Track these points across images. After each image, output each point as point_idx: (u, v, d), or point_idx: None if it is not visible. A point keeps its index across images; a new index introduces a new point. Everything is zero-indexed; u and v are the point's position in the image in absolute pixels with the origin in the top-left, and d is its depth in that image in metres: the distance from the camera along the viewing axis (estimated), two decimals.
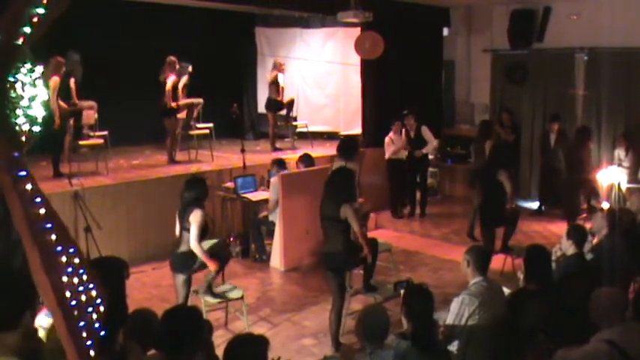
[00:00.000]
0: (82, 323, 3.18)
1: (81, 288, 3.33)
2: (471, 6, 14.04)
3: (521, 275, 5.85)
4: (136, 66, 11.32)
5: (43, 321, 4.44)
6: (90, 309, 3.33)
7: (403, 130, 12.11)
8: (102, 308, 3.42)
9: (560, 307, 4.88)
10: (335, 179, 6.81)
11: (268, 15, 14.41)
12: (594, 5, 11.98)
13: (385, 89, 12.73)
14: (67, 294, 3.18)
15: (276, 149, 12.58)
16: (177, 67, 11.08)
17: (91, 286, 3.41)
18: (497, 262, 8.18)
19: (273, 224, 9.51)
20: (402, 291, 5.72)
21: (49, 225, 3.28)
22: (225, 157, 11.53)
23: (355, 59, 12.82)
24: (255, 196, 9.94)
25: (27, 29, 3.58)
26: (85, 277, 3.41)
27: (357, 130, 13.62)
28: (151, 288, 8.58)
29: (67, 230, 3.71)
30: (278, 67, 12.54)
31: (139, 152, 12.21)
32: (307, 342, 7.06)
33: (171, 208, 9.82)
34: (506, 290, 5.84)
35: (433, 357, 4.40)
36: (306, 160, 10.09)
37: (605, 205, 9.56)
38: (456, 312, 5.17)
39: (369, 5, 11.21)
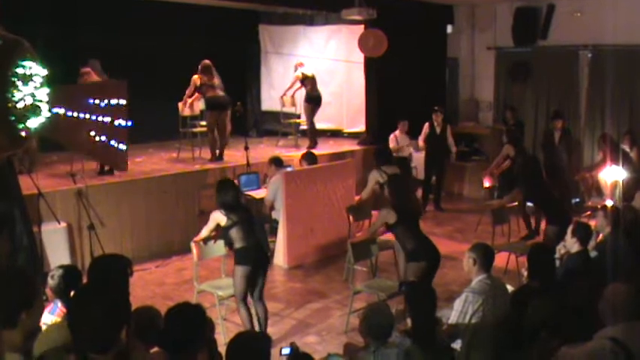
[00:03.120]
0: (113, 142, 3.43)
1: (107, 119, 3.56)
2: (474, 3, 14.03)
3: (524, 273, 5.84)
4: (139, 64, 11.32)
5: (47, 319, 4.45)
6: (117, 122, 3.56)
7: (426, 125, 12.10)
8: (124, 106, 3.68)
9: (564, 305, 4.87)
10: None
11: (272, 12, 14.40)
12: (598, 2, 11.97)
13: (389, 87, 12.72)
14: (93, 134, 3.43)
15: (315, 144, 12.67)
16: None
17: (112, 103, 3.68)
18: (501, 259, 8.17)
19: (276, 222, 9.50)
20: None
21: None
22: (229, 155, 11.52)
23: (359, 57, 12.81)
24: (258, 193, 9.94)
25: None
26: (103, 104, 3.69)
27: (360, 127, 13.62)
28: (154, 286, 8.59)
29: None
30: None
31: (142, 150, 12.21)
32: (311, 339, 7.07)
33: (175, 206, 9.90)
34: (510, 288, 5.83)
35: (436, 355, 4.40)
36: (309, 158, 10.09)
37: (609, 203, 9.54)
38: (460, 309, 5.16)
39: (373, 3, 11.22)
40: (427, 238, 7.03)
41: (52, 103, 3.54)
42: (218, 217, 6.66)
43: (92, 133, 3.69)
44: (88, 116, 3.70)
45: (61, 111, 3.62)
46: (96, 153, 3.57)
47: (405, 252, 7.03)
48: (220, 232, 6.85)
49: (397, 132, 12.07)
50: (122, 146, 3.71)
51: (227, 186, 6.86)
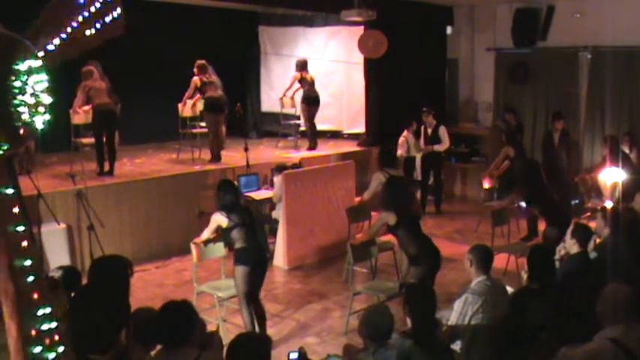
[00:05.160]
0: (107, 18, 3.78)
1: (98, 3, 3.83)
2: (474, 5, 14.03)
3: (524, 274, 5.84)
4: (138, 65, 11.32)
5: None
6: None
7: (422, 128, 12.10)
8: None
9: (564, 306, 4.87)
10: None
11: (271, 14, 14.41)
12: (598, 4, 11.97)
13: (389, 88, 12.71)
14: (88, 32, 3.74)
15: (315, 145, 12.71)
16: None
17: (62, 350, 3.57)
18: (501, 261, 8.17)
19: (276, 222, 9.51)
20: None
21: (28, 262, 3.49)
22: (228, 156, 11.53)
23: (358, 58, 12.81)
24: (258, 194, 9.95)
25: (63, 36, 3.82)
26: (56, 337, 3.58)
27: (360, 128, 13.62)
28: (154, 287, 8.59)
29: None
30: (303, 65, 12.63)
31: (141, 151, 12.21)
32: (310, 340, 7.06)
33: (174, 207, 9.90)
34: (509, 289, 5.83)
35: (436, 356, 4.40)
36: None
37: (609, 204, 9.54)
38: (460, 311, 5.16)
39: (373, 4, 11.22)
40: (429, 241, 6.96)
41: (47, 38, 3.61)
42: (219, 219, 6.65)
43: (87, 32, 3.74)
44: (81, 19, 3.76)
45: (57, 42, 3.68)
46: (94, 41, 3.66)
47: (407, 255, 7.00)
48: (221, 233, 6.85)
49: (406, 133, 12.01)
50: (115, 13, 3.76)
51: (227, 187, 6.85)
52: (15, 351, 3.30)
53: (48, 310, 3.48)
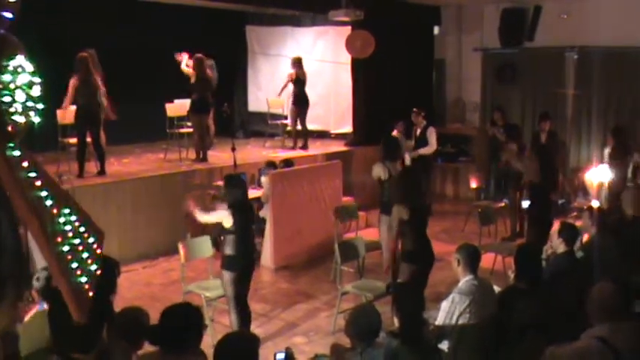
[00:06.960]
0: (74, 264, 3.90)
1: (77, 240, 4.23)
2: (461, 5, 14.07)
3: (511, 274, 5.86)
4: (126, 64, 11.26)
5: None
6: (85, 254, 4.15)
7: (414, 129, 12.04)
8: (98, 250, 4.34)
9: (551, 305, 4.89)
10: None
11: (259, 13, 14.38)
12: (584, 4, 12.04)
13: (376, 88, 12.72)
14: (66, 247, 4.02)
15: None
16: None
17: (83, 230, 4.39)
18: (488, 260, 8.18)
19: (264, 221, 9.49)
20: None
21: (44, 193, 4.22)
22: (215, 156, 11.51)
23: (346, 58, 12.80)
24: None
25: None
26: (77, 224, 4.39)
27: (347, 128, 13.62)
28: (141, 286, 8.56)
29: (64, 191, 4.97)
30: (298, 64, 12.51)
31: (129, 151, 12.17)
32: (298, 340, 7.06)
33: (162, 207, 9.87)
34: (496, 289, 5.84)
35: (424, 355, 4.41)
36: None
37: (595, 204, 9.59)
38: (447, 310, 5.17)
39: (360, 4, 11.22)
40: (428, 242, 6.94)
41: None
42: (225, 218, 6.44)
43: (59, 239, 4.17)
44: (62, 220, 4.43)
45: (37, 183, 4.14)
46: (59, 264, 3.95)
47: (402, 251, 6.92)
48: (216, 230, 6.77)
49: (395, 132, 11.92)
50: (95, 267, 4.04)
51: (235, 183, 6.71)
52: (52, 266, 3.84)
53: (67, 210, 4.34)
